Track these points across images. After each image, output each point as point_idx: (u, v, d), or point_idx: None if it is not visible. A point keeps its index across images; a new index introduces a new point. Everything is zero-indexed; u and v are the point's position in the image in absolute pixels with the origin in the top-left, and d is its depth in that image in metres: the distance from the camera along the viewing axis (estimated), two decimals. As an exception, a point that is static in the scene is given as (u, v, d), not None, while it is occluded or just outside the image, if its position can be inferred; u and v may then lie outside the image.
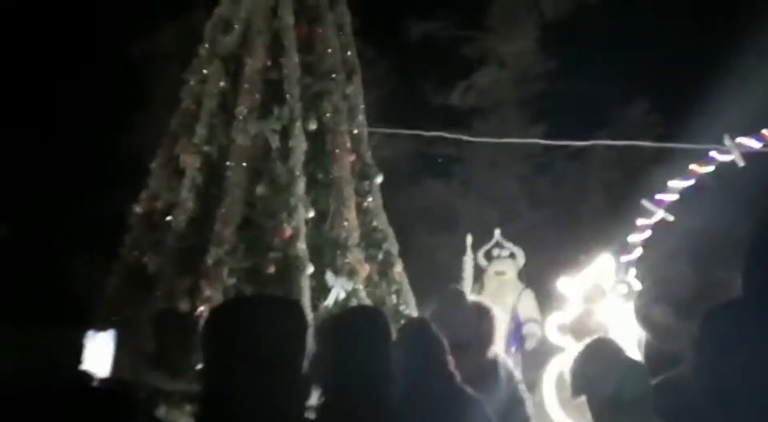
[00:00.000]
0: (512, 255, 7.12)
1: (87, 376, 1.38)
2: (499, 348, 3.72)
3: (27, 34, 11.07)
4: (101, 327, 4.04)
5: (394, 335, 2.48)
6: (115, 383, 2.41)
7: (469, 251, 7.14)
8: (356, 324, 2.29)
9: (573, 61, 11.23)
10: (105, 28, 10.89)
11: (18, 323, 1.28)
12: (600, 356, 2.56)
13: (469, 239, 7.15)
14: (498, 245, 7.29)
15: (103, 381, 2.64)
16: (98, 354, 3.90)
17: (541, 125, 10.68)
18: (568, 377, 3.09)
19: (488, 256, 7.21)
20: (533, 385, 5.03)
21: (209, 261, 5.08)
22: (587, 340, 2.71)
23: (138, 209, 5.62)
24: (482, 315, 3.55)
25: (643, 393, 2.45)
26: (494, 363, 3.53)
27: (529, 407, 3.72)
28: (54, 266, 1.40)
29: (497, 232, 7.46)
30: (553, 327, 5.11)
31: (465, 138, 8.16)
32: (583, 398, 2.59)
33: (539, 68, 11.66)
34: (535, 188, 12.08)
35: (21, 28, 11.02)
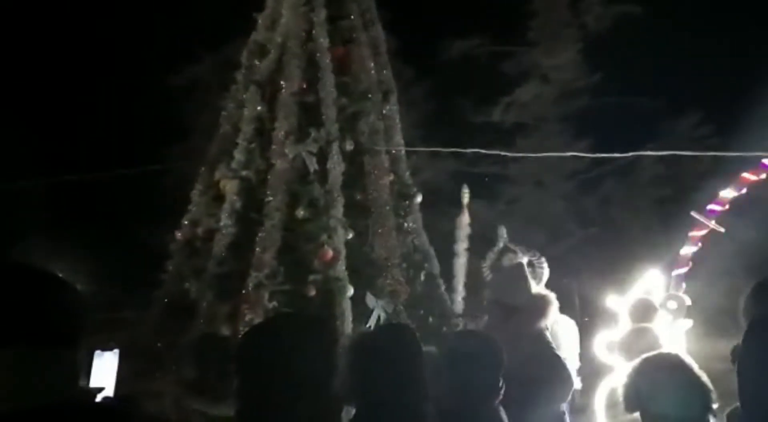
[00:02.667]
0: (531, 265, 5.80)
1: (89, 393, 1.36)
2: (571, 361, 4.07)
3: (69, 71, 11.46)
4: (105, 346, 4.11)
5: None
6: (117, 400, 2.43)
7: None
8: (383, 342, 2.24)
9: (617, 74, 11.04)
10: (145, 62, 11.20)
11: (15, 345, 1.29)
12: (656, 372, 2.42)
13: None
14: (508, 250, 5.33)
15: (105, 398, 2.64)
16: (103, 372, 4.00)
17: (585, 140, 10.47)
18: (620, 393, 2.99)
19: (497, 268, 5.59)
20: (584, 408, 4.85)
21: (250, 285, 5.08)
22: (642, 356, 2.58)
23: (180, 236, 5.68)
24: (542, 297, 3.93)
25: (699, 413, 2.31)
26: (545, 344, 3.78)
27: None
28: (51, 289, 1.40)
29: (502, 231, 5.60)
30: (602, 346, 4.92)
31: (506, 153, 8.03)
32: (635, 415, 2.48)
33: (582, 82, 11.48)
34: (582, 206, 11.83)
35: (63, 67, 11.41)
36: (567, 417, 4.02)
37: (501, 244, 5.38)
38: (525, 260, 5.38)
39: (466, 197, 6.13)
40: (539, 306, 3.94)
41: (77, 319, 1.40)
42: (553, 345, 3.94)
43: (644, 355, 2.61)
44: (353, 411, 2.13)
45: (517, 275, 4.11)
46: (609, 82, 11.36)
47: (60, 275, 1.42)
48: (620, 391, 2.57)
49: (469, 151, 6.62)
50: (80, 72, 11.61)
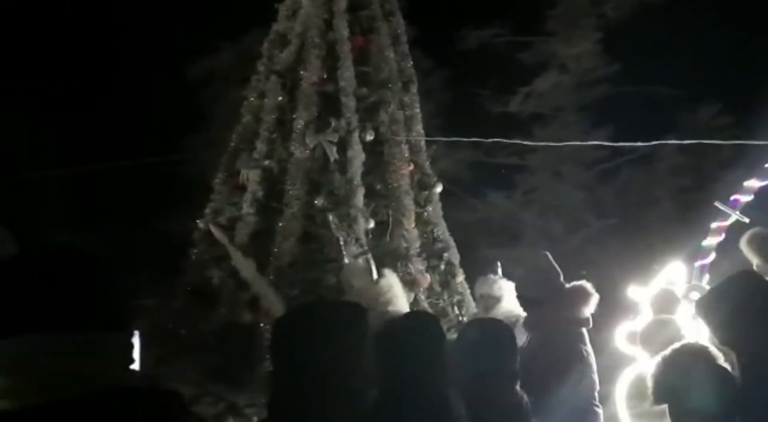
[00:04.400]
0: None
1: (140, 378, 1.39)
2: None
3: (87, 61, 11.53)
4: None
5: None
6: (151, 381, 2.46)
7: None
8: (407, 329, 2.26)
9: (636, 63, 10.91)
10: (164, 53, 11.24)
11: (70, 329, 1.30)
12: (687, 365, 2.42)
13: None
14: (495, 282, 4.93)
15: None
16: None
17: (604, 130, 10.36)
18: (644, 386, 3.00)
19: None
20: (605, 398, 4.84)
21: (271, 274, 5.12)
22: (670, 347, 2.58)
23: (202, 225, 5.73)
24: (576, 290, 3.90)
25: (728, 408, 2.31)
26: (570, 334, 3.77)
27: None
28: (99, 275, 1.42)
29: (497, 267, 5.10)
30: (623, 337, 4.91)
31: (527, 143, 8.00)
32: (660, 408, 2.47)
33: (602, 71, 11.37)
34: (600, 196, 11.75)
35: (81, 56, 11.48)
36: (598, 409, 4.01)
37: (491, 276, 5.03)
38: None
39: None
40: (566, 298, 3.91)
41: (126, 303, 1.42)
42: (584, 338, 3.91)
43: (673, 347, 2.60)
44: (377, 396, 2.16)
45: (542, 268, 4.10)
46: (628, 72, 11.23)
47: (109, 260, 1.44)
48: (649, 384, 2.56)
49: (489, 140, 6.61)
50: (100, 63, 11.68)
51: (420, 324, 2.40)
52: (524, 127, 10.87)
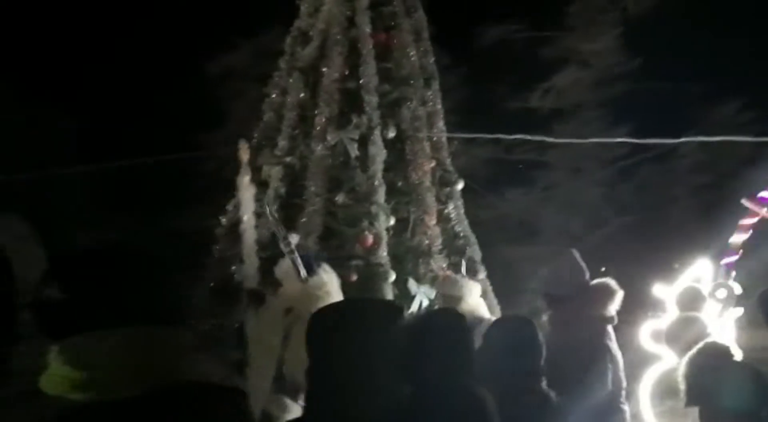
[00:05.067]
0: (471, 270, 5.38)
1: (199, 371, 1.40)
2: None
3: (107, 58, 11.60)
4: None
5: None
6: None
7: None
8: (435, 326, 2.26)
9: (658, 59, 10.81)
10: (183, 49, 11.29)
11: (142, 323, 1.32)
12: (716, 365, 2.40)
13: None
14: None
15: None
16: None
17: (624, 127, 10.28)
18: (669, 384, 2.98)
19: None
20: (629, 396, 4.81)
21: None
22: (698, 346, 2.56)
23: (224, 221, 5.75)
24: (601, 287, 3.89)
25: (759, 408, 2.29)
26: (596, 331, 3.72)
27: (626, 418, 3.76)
28: (160, 271, 1.44)
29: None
30: (647, 335, 4.87)
31: (548, 139, 7.94)
32: (685, 407, 2.45)
33: (622, 67, 11.28)
34: (620, 193, 11.68)
35: (101, 53, 11.55)
36: (624, 406, 3.99)
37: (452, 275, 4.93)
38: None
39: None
40: (591, 295, 3.90)
41: (189, 298, 1.44)
42: (610, 335, 3.90)
43: (699, 348, 2.57)
44: (411, 393, 2.16)
45: (567, 265, 4.07)
46: (649, 68, 11.16)
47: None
48: (681, 386, 2.54)
49: (512, 137, 6.58)
50: (120, 60, 11.76)
51: (447, 320, 2.40)
52: (543, 124, 10.82)
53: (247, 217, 5.17)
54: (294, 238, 4.42)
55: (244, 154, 5.44)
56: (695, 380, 2.41)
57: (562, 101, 11.57)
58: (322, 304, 3.82)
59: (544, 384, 2.83)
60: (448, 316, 2.69)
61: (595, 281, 4.06)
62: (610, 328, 3.99)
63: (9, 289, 1.51)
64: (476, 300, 4.48)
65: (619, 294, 4.01)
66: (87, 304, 1.32)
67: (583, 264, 4.02)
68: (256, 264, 4.68)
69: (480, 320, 4.19)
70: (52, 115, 10.88)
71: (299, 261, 3.93)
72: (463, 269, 5.02)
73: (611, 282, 4.05)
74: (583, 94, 11.48)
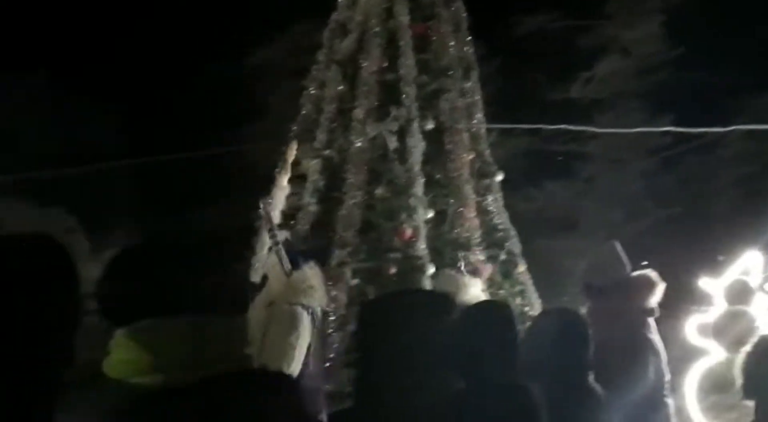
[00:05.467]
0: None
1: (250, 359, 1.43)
2: None
3: (146, 54, 11.77)
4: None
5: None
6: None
7: None
8: (484, 318, 2.24)
9: (702, 46, 10.54)
10: (219, 43, 11.39)
11: (193, 313, 1.34)
12: None
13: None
14: None
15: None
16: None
17: (667, 116, 10.09)
18: (716, 379, 2.91)
19: None
20: (674, 390, 4.73)
21: (333, 262, 5.14)
22: (754, 339, 2.49)
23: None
24: (642, 279, 3.79)
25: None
26: (637, 324, 3.63)
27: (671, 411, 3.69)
28: (223, 258, 1.47)
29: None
30: (693, 329, 4.78)
31: (591, 129, 7.81)
32: (731, 401, 2.40)
33: (665, 55, 11.04)
34: (662, 184, 11.45)
35: (141, 49, 11.72)
36: (668, 400, 3.92)
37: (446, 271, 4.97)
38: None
39: None
40: (632, 287, 3.83)
41: (246, 286, 1.47)
42: (652, 327, 3.83)
43: (756, 342, 2.51)
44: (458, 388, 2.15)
45: (608, 257, 4.01)
46: (691, 56, 10.89)
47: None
48: (739, 379, 2.48)
49: (554, 127, 6.48)
50: (158, 56, 11.92)
51: (496, 312, 2.38)
52: (583, 114, 10.66)
53: (277, 213, 5.23)
54: (282, 234, 4.45)
55: (291, 154, 5.51)
56: (753, 373, 2.34)
57: (602, 91, 11.38)
58: (304, 298, 3.86)
59: (591, 378, 2.79)
60: (493, 309, 2.67)
61: (636, 273, 3.99)
62: (651, 321, 3.92)
63: (69, 277, 1.54)
64: (472, 297, 4.41)
65: (661, 287, 3.93)
66: (150, 293, 1.34)
67: (623, 256, 3.95)
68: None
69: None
70: (96, 111, 11.10)
71: (284, 255, 3.95)
72: (462, 266, 4.97)
73: (652, 274, 3.97)
74: (624, 84, 11.27)
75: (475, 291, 4.52)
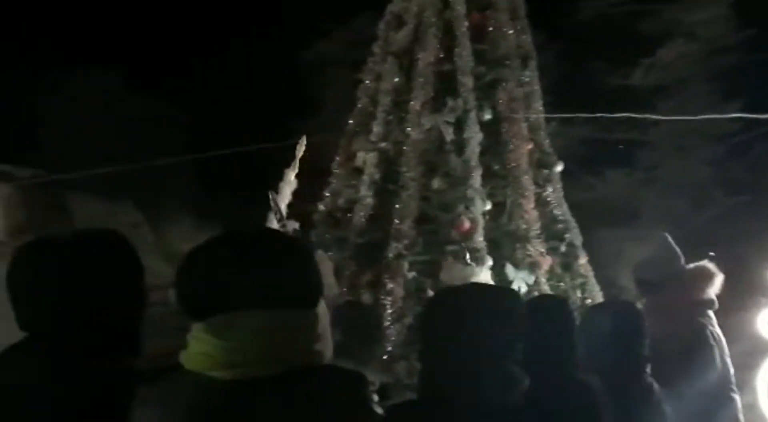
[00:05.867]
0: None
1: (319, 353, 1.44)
2: None
3: (205, 48, 11.98)
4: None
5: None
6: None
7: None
8: (544, 312, 2.21)
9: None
10: (275, 38, 11.51)
11: (282, 307, 1.37)
12: None
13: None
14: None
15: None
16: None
17: (736, 102, 9.68)
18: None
19: None
20: (743, 385, 4.57)
21: (390, 255, 5.16)
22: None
23: (321, 207, 5.85)
24: (698, 271, 3.71)
25: None
26: (695, 316, 3.48)
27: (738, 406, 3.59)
28: (307, 254, 1.50)
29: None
30: (764, 322, 4.60)
31: (654, 117, 7.57)
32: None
33: (733, 38, 10.59)
34: (730, 172, 11.04)
35: (200, 43, 11.94)
36: (735, 395, 3.80)
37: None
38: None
39: None
40: (688, 280, 3.72)
41: (319, 282, 1.48)
42: (711, 320, 3.72)
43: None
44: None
45: (660, 250, 3.89)
46: (762, 38, 10.42)
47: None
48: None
49: (615, 115, 6.30)
50: (215, 50, 12.14)
51: (549, 306, 2.35)
52: (645, 101, 10.34)
53: (283, 207, 5.30)
54: (291, 224, 4.47)
55: (301, 150, 5.58)
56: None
57: (666, 77, 11.01)
58: None
59: (647, 374, 2.74)
60: (552, 303, 2.64)
61: (692, 265, 3.86)
62: (710, 313, 3.80)
63: (133, 269, 1.59)
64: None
65: (718, 278, 3.80)
66: (227, 287, 1.36)
67: (676, 248, 3.84)
68: None
69: None
70: (162, 107, 11.40)
71: None
72: (467, 256, 4.90)
73: (708, 264, 3.85)
74: (690, 69, 10.88)
75: (478, 280, 4.48)
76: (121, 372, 1.47)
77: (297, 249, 1.45)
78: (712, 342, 3.65)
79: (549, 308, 2.41)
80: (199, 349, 1.33)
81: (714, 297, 3.77)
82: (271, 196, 4.72)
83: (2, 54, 11.14)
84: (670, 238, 3.92)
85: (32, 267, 1.49)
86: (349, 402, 1.37)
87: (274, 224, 4.65)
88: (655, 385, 2.74)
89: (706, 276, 3.77)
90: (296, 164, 5.52)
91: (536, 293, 5.13)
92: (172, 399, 1.30)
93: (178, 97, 11.79)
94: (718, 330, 3.78)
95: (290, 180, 5.26)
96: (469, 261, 4.78)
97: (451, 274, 4.55)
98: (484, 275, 4.52)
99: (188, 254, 1.45)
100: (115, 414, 1.35)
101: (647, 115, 7.05)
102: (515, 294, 2.14)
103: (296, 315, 1.37)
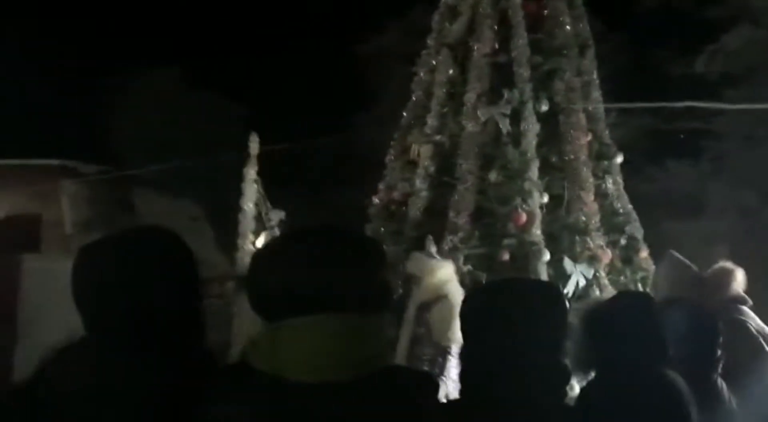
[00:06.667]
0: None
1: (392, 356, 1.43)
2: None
3: (256, 42, 12.12)
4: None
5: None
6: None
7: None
8: (629, 310, 2.15)
9: None
10: (332, 32, 11.56)
11: (344, 311, 1.32)
12: None
13: None
14: None
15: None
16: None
17: (808, 89, 9.25)
18: None
19: None
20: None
21: (445, 248, 5.13)
22: None
23: (376, 201, 5.86)
24: (716, 272, 3.61)
25: None
26: (728, 315, 3.39)
27: None
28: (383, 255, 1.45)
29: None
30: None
31: (720, 106, 7.29)
32: None
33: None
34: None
35: (252, 38, 12.09)
36: None
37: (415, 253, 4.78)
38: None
39: None
40: (708, 285, 3.60)
41: (392, 282, 1.46)
42: (746, 313, 3.60)
43: None
44: (582, 378, 2.08)
45: (671, 268, 3.78)
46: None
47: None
48: None
49: (681, 104, 6.11)
50: (274, 46, 12.29)
51: (634, 304, 2.28)
52: (710, 89, 9.98)
53: (248, 207, 5.36)
54: (277, 214, 4.51)
55: (254, 147, 5.67)
56: None
57: (732, 64, 10.59)
58: None
59: (719, 372, 2.64)
60: (639, 299, 2.58)
61: (709, 270, 3.76)
62: (746, 310, 3.67)
63: (191, 268, 1.60)
64: (439, 279, 4.36)
65: (739, 273, 3.68)
66: (305, 288, 1.32)
67: (685, 261, 3.74)
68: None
69: (437, 298, 4.21)
70: (220, 104, 11.62)
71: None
72: (433, 249, 4.80)
73: (725, 264, 3.74)
74: (758, 56, 10.43)
75: (443, 274, 4.41)
76: (187, 369, 1.48)
77: (372, 250, 1.41)
78: (755, 333, 3.54)
79: (635, 305, 2.34)
80: (274, 351, 1.30)
81: (742, 293, 3.67)
82: (256, 187, 5.03)
83: (67, 55, 11.56)
84: (677, 254, 3.84)
85: (94, 268, 1.51)
86: (422, 406, 1.34)
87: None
88: (725, 384, 2.66)
89: (726, 275, 3.67)
90: (254, 161, 5.64)
91: (595, 287, 5.04)
92: (246, 401, 1.28)
93: (238, 93, 12.01)
94: (759, 322, 3.67)
95: (252, 177, 5.42)
96: (434, 254, 4.72)
97: (417, 266, 4.54)
98: (447, 269, 4.46)
99: (261, 253, 1.41)
100: (181, 412, 1.34)
101: (714, 104, 6.78)
102: (557, 289, 2.05)
103: (372, 319, 1.34)
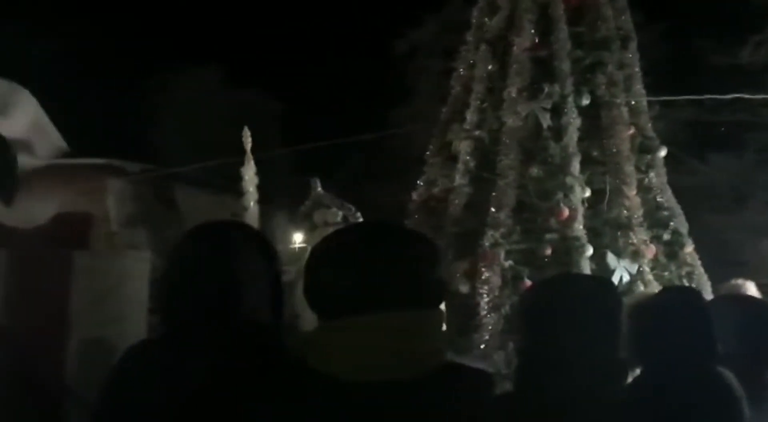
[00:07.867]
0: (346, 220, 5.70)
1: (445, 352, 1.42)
2: None
3: (294, 40, 12.21)
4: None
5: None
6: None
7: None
8: (674, 306, 2.13)
9: None
10: (369, 28, 11.58)
11: (403, 309, 1.32)
12: None
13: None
14: (320, 205, 5.82)
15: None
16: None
17: None
18: None
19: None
20: None
21: (486, 244, 5.12)
22: None
23: (416, 196, 5.87)
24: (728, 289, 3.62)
25: None
26: None
27: None
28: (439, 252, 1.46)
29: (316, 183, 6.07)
30: None
31: (768, 97, 7.11)
32: None
33: None
34: None
35: (290, 36, 12.19)
36: None
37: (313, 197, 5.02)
38: (339, 216, 5.20)
39: None
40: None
41: (446, 278, 1.46)
42: None
43: None
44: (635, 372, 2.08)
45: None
46: None
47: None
48: None
49: (727, 96, 5.98)
50: (310, 42, 12.37)
51: (680, 298, 2.26)
52: (756, 80, 9.74)
53: (252, 204, 5.39)
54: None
55: (248, 143, 5.70)
56: None
57: (778, 54, 10.33)
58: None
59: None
60: (687, 294, 2.56)
61: (723, 286, 3.70)
62: None
63: (274, 266, 1.63)
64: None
65: (751, 286, 3.64)
66: (364, 286, 1.31)
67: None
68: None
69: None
70: (258, 99, 11.74)
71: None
72: (318, 187, 4.92)
73: (736, 280, 3.67)
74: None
75: None
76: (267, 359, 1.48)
77: (427, 246, 1.39)
78: None
79: (681, 300, 2.32)
80: (333, 351, 1.29)
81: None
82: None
83: (110, 56, 11.80)
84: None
85: (187, 263, 1.56)
86: (482, 403, 1.35)
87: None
88: None
89: (738, 290, 3.60)
90: (250, 157, 5.69)
91: (639, 283, 4.97)
92: (309, 403, 1.28)
93: (278, 91, 12.13)
94: None
95: (251, 176, 5.52)
96: None
97: None
98: None
99: (318, 250, 1.39)
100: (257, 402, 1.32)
101: (763, 96, 6.61)
102: (613, 284, 2.10)
103: (429, 315, 1.33)
